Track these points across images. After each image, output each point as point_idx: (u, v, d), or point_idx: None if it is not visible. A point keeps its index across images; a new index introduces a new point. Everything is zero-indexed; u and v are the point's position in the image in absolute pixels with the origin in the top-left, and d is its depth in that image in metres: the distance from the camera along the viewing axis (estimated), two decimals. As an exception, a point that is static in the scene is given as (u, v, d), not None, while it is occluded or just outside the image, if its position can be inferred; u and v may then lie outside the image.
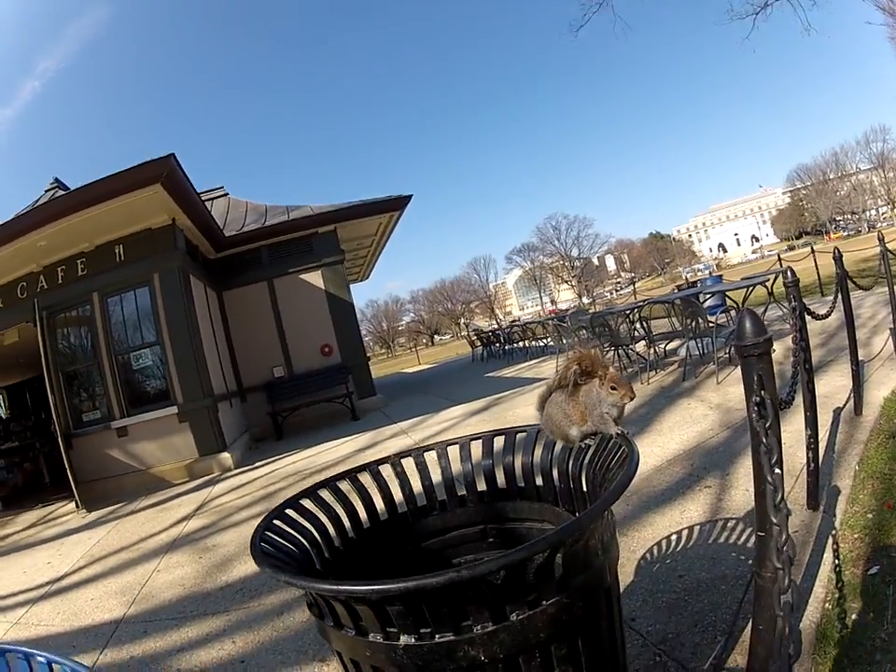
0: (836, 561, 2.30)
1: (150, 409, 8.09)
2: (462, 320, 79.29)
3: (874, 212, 70.62)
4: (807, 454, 2.72)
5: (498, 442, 1.91)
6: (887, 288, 6.68)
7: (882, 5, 15.17)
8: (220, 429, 8.17)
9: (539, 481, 1.82)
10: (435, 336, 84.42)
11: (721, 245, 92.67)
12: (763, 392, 1.45)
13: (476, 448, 1.93)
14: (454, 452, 1.96)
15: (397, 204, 12.18)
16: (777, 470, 1.18)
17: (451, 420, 7.47)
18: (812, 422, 2.68)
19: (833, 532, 2.51)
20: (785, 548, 1.04)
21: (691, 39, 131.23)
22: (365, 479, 1.90)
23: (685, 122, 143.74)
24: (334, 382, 10.82)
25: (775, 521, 1.07)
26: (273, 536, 1.53)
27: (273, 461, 7.62)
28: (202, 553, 4.30)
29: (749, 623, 2.07)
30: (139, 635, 3.04)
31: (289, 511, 1.66)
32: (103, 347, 8.17)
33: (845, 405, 4.04)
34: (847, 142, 72.01)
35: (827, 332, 6.78)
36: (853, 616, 2.01)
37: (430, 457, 1.96)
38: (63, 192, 8.77)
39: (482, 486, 1.90)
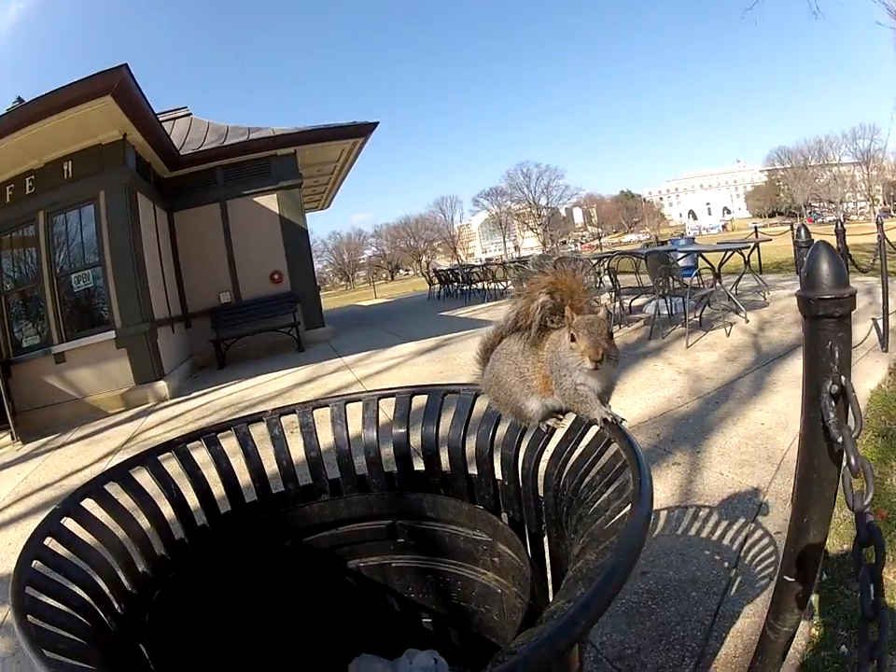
0: (823, 577, 1.95)
1: (88, 334, 7.63)
2: (424, 258, 77.49)
3: (851, 205, 71.10)
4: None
5: (419, 404, 1.29)
6: (871, 277, 6.38)
7: (894, 11, 14.47)
8: (158, 356, 7.78)
9: (472, 469, 1.21)
10: (398, 270, 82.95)
11: (691, 212, 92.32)
12: (843, 378, 0.91)
13: (387, 409, 1.33)
14: (355, 412, 1.35)
15: (362, 131, 11.45)
16: (871, 516, 0.64)
17: (398, 358, 7.10)
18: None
19: (819, 541, 2.12)
20: None
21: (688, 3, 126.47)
22: (229, 443, 1.32)
23: (669, 84, 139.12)
24: (282, 310, 10.31)
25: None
26: (81, 524, 1.00)
27: (211, 392, 7.21)
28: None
29: (724, 647, 1.71)
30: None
31: (109, 488, 1.12)
32: (45, 268, 7.68)
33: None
34: (833, 133, 71.32)
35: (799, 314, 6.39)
36: (841, 647, 1.66)
37: (322, 417, 1.35)
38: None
39: (391, 467, 1.31)
